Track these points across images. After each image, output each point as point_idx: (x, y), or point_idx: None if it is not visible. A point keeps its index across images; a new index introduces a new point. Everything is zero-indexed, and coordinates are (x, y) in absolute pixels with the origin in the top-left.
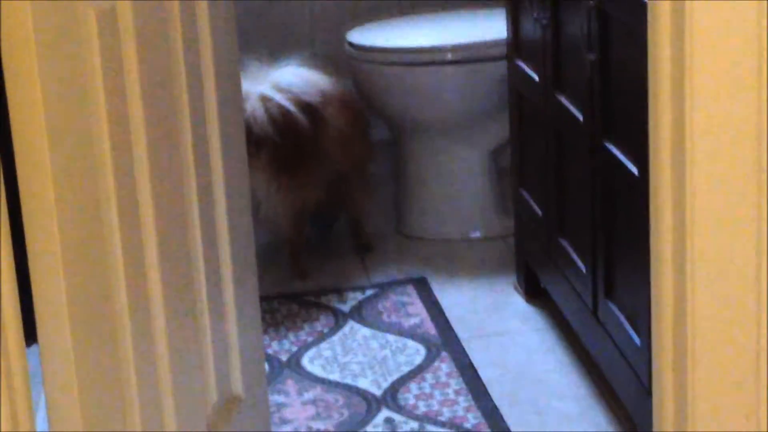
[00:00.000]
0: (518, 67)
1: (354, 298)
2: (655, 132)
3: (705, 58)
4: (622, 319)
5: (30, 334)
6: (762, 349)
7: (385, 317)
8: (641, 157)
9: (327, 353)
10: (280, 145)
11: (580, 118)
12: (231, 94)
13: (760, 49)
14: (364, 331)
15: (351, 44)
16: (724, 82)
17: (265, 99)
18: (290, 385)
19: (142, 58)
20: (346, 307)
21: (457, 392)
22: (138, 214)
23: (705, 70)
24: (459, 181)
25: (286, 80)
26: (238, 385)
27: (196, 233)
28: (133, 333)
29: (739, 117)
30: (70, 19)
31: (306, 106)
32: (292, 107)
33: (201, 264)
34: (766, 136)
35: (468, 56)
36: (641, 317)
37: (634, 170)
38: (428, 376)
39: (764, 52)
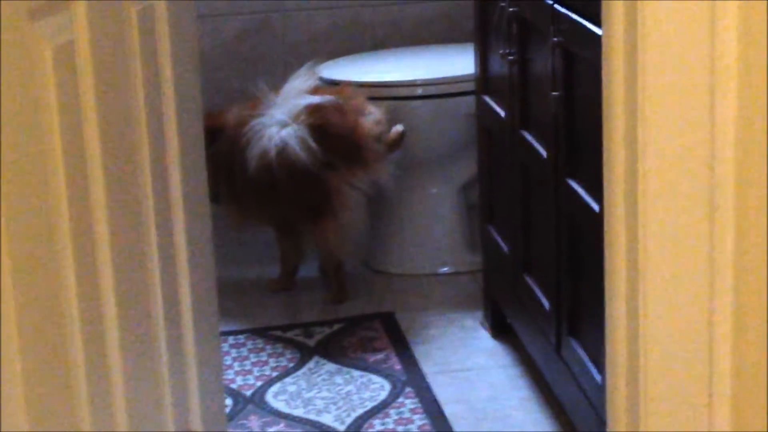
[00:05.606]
0: (486, 103)
1: (321, 332)
2: (609, 169)
3: (657, 93)
4: (585, 357)
5: None
6: (715, 386)
7: (350, 352)
8: (603, 195)
9: (291, 388)
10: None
11: (545, 154)
12: (192, 130)
13: (711, 84)
14: (329, 367)
15: (322, 79)
16: (676, 118)
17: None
18: (253, 420)
19: (100, 94)
20: (312, 342)
21: (420, 428)
22: (94, 247)
23: (657, 106)
24: (428, 217)
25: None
26: (196, 421)
27: (155, 266)
28: (87, 367)
29: (689, 153)
30: (24, 55)
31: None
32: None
33: (159, 298)
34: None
35: (438, 91)
36: (603, 356)
37: (596, 207)
38: (392, 411)
39: (715, 89)
